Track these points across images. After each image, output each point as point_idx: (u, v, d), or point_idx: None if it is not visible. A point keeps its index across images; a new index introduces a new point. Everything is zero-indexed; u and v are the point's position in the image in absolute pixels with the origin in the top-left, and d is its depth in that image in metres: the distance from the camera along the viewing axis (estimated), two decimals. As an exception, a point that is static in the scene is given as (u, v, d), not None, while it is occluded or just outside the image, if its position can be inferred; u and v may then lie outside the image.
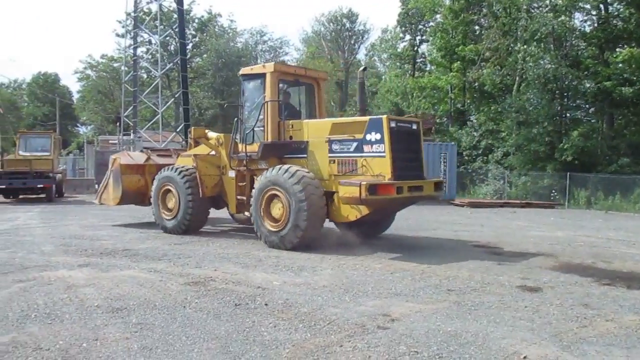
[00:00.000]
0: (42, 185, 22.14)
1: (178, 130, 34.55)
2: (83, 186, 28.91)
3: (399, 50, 43.84)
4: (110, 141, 39.61)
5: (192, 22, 53.27)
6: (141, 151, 15.24)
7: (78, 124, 78.02)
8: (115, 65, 56.27)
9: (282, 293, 6.58)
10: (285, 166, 9.92)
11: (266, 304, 6.06)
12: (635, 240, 12.53)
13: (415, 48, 42.72)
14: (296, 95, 12.00)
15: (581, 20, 28.91)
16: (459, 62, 31.56)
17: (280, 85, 11.02)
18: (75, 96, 72.85)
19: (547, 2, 25.69)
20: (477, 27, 33.19)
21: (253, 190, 10.30)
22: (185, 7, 41.68)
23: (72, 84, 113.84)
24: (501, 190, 26.67)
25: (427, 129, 27.60)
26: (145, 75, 48.93)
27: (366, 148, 9.54)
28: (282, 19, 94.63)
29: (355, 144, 9.70)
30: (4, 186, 21.65)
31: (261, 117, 10.73)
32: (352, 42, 57.12)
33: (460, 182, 27.11)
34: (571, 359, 4.60)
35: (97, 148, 35.25)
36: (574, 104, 28.64)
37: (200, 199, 11.60)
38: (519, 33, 27.03)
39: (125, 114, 34.29)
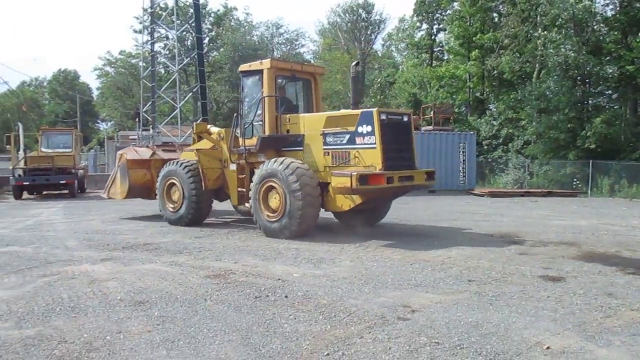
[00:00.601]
0: (64, 182, 22.49)
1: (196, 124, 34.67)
2: (104, 181, 28.98)
3: (416, 39, 43.44)
4: (130, 137, 40.06)
5: (208, 16, 53.46)
6: (147, 146, 15.80)
7: (98, 120, 79.07)
8: (133, 61, 56.82)
9: (302, 285, 6.60)
10: (281, 158, 10.31)
11: (286, 296, 6.08)
12: (660, 228, 12.29)
13: (433, 37, 42.29)
14: (293, 90, 12.39)
15: (603, 5, 28.29)
16: (477, 51, 31.18)
17: (279, 80, 11.48)
18: (95, 93, 73.76)
19: (568, -14, 25.16)
20: (495, 14, 32.70)
21: (252, 183, 10.69)
22: (201, 1, 41.81)
23: (92, 81, 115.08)
24: (522, 179, 26.35)
25: (446, 118, 27.37)
26: (163, 71, 49.32)
27: (358, 140, 9.88)
28: (298, 11, 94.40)
29: (347, 136, 10.05)
30: (27, 183, 22.05)
31: (259, 111, 11.14)
32: (369, 32, 56.71)
33: (480, 172, 26.85)
34: (595, 349, 4.53)
35: (117, 144, 35.67)
36: (596, 90, 28.09)
37: (203, 192, 12.07)
38: (538, 19, 26.57)
39: (144, 109, 34.62)
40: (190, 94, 39.13)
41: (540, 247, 9.44)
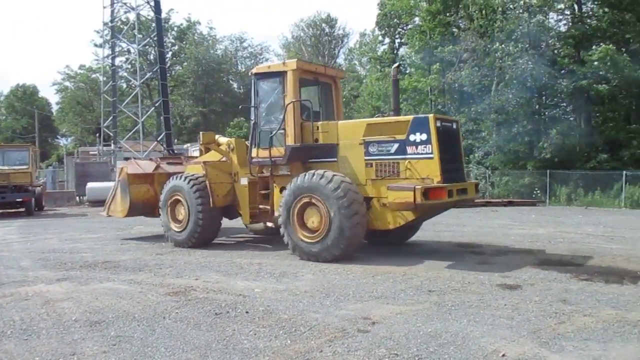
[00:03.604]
0: (21, 199, 21.80)
1: (159, 139, 34.34)
2: (63, 199, 28.54)
3: (378, 53, 44.06)
4: (90, 152, 39.22)
5: (171, 30, 53.09)
6: (150, 159, 14.47)
7: (58, 136, 77.10)
8: (94, 75, 55.81)
9: (264, 300, 6.56)
10: (320, 171, 9.23)
11: (247, 312, 6.04)
12: (613, 235, 12.71)
13: (395, 51, 42.96)
14: (312, 95, 11.19)
15: (556, 20, 29.34)
16: (438, 64, 31.80)
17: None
18: (55, 108, 72.05)
19: (522, 2, 26.02)
20: (454, 29, 33.49)
21: (281, 199, 9.66)
22: (164, 15, 41.56)
23: (51, 96, 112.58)
24: (483, 189, 26.89)
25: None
26: (124, 85, 48.57)
27: (410, 149, 8.96)
28: (261, 25, 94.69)
29: (396, 145, 9.10)
30: (-18, 201, 21.28)
31: (280, 118, 10.06)
32: (332, 46, 57.30)
33: (442, 183, 27.21)
34: (549, 355, 4.64)
35: (78, 160, 34.88)
36: (552, 103, 29.00)
37: (211, 209, 10.88)
38: (495, 34, 27.35)
39: (105, 124, 34.04)
40: (153, 108, 38.69)
41: (499, 256, 9.64)
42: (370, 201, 9.26)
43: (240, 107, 13.61)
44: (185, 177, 11.21)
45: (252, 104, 10.55)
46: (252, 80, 10.65)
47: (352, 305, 6.29)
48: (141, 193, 12.53)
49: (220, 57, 55.41)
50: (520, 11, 26.13)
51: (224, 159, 11.38)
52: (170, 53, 52.42)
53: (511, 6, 26.95)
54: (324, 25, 56.47)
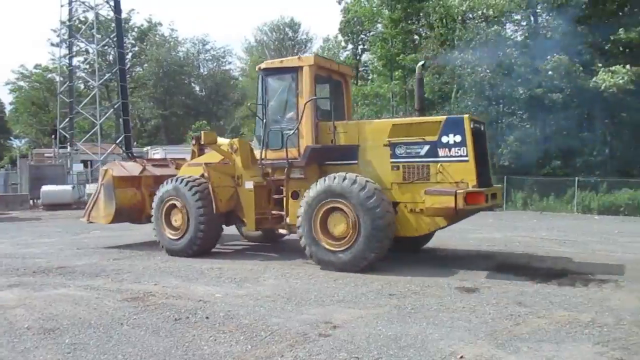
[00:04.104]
0: (-30, 203, 20.95)
1: (118, 141, 33.63)
2: (16, 202, 27.49)
3: (341, 58, 44.36)
4: (45, 154, 38.04)
5: (132, 31, 52.14)
6: (134, 161, 13.42)
7: (11, 137, 74.44)
8: (50, 75, 54.21)
9: (224, 305, 6.50)
10: (341, 174, 8.69)
11: (207, 317, 5.97)
12: (566, 239, 13.14)
13: (358, 57, 43.39)
14: (324, 93, 10.59)
15: (513, 30, 30.21)
16: (399, 71, 32.26)
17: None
18: (8, 108, 69.55)
19: (480, 12, 26.70)
20: (416, 37, 34.06)
21: (301, 204, 8.99)
22: (124, 15, 40.74)
23: (4, 96, 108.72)
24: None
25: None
26: (82, 86, 47.37)
27: (442, 152, 8.51)
28: (224, 28, 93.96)
29: (427, 147, 8.62)
30: None
31: (293, 117, 9.57)
32: (295, 51, 57.34)
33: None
34: (505, 356, 4.76)
35: (32, 162, 33.77)
36: (509, 110, 29.81)
37: (214, 215, 10.10)
38: (455, 42, 27.94)
39: (61, 126, 33.11)
40: (112, 110, 37.82)
41: (458, 260, 9.83)
42: (396, 206, 8.75)
43: (248, 104, 11.61)
44: (184, 181, 10.32)
45: (260, 101, 9.89)
46: (260, 76, 10.04)
47: (313, 309, 6.30)
48: (128, 197, 11.61)
49: (182, 60, 54.76)
50: (479, 21, 26.79)
51: (225, 161, 10.62)
52: (130, 54, 51.44)
53: (470, 16, 27.60)
54: (287, 29, 56.53)
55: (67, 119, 32.89)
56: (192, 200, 10.07)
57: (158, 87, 51.45)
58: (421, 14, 31.08)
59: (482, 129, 9.30)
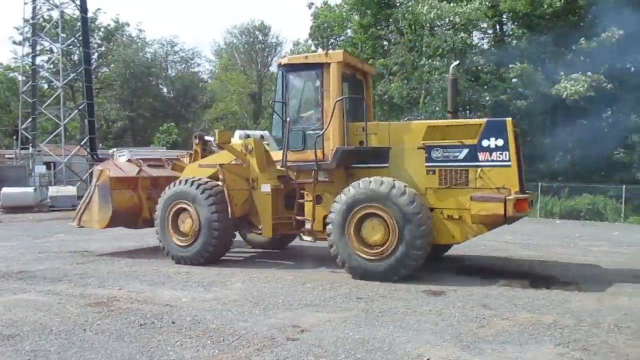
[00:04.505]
0: None
1: (83, 143, 32.91)
2: (-26, 205, 26.61)
3: (311, 63, 44.44)
4: (6, 155, 36.91)
5: (98, 30, 51.10)
6: (129, 160, 12.35)
7: (-31, 138, 72.01)
8: (12, 74, 52.66)
9: (191, 310, 6.42)
10: (384, 179, 8.26)
11: (173, 322, 5.88)
12: (529, 243, 13.44)
13: (327, 61, 43.55)
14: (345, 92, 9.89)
15: (479, 38, 30.86)
16: (369, 76, 32.49)
17: None
18: (-34, 107, 67.28)
19: (447, 20, 27.17)
20: (385, 42, 34.41)
21: (332, 210, 8.49)
22: (90, 14, 39.97)
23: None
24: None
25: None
26: (46, 86, 46.19)
27: (482, 156, 8.19)
28: (193, 30, 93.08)
29: (466, 151, 8.27)
30: None
31: (317, 117, 9.13)
32: (265, 54, 57.24)
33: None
34: (470, 358, 4.84)
35: (-9, 163, 32.71)
36: (476, 116, 30.40)
37: (229, 220, 9.53)
38: (423, 49, 28.35)
39: (23, 126, 32.19)
40: (76, 111, 37.02)
41: (425, 263, 9.89)
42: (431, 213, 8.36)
43: (270, 101, 10.23)
44: (194, 182, 9.66)
45: (280, 99, 9.34)
46: (280, 73, 9.51)
47: (281, 313, 6.29)
48: (125, 200, 10.78)
49: (149, 61, 53.92)
50: (446, 29, 27.25)
51: (236, 161, 9.95)
52: (96, 54, 50.42)
53: (438, 23, 28.03)
54: (257, 32, 56.33)
55: (29, 120, 32.00)
56: (204, 204, 9.42)
57: (125, 88, 50.53)
58: (390, 20, 31.41)
59: (519, 131, 9.01)
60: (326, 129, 8.82)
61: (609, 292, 7.57)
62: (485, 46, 30.18)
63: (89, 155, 32.03)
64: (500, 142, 8.14)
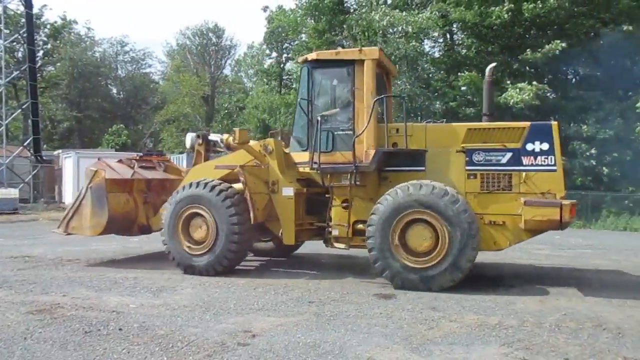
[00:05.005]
0: None
1: (26, 143, 31.63)
2: None
3: (265, 66, 44.38)
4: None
5: (44, 27, 49.26)
6: (120, 160, 11.12)
7: None
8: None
9: (139, 316, 6.26)
10: (435, 184, 7.91)
11: (120, 329, 5.72)
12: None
13: (282, 65, 43.56)
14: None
15: (430, 46, 31.64)
16: (323, 80, 32.70)
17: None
18: None
19: (400, 28, 27.69)
20: (339, 48, 34.71)
21: (374, 215, 8.04)
22: (36, 11, 38.47)
23: None
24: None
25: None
26: (-14, 84, 44.13)
27: (526, 160, 8.06)
28: (144, 30, 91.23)
29: (509, 155, 8.12)
30: None
31: (348, 116, 8.71)
32: (219, 56, 56.68)
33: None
34: (418, 359, 4.93)
35: None
36: (428, 122, 31.08)
37: (249, 227, 8.90)
38: (376, 55, 28.82)
39: (-39, 125, 30.65)
40: (19, 110, 35.54)
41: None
42: None
43: (298, 100, 9.27)
44: (211, 185, 8.95)
45: (306, 97, 8.86)
46: (306, 69, 8.96)
47: (232, 318, 6.22)
48: (121, 204, 9.87)
49: (98, 60, 52.48)
50: (399, 36, 27.76)
51: (252, 162, 9.33)
52: (41, 52, 48.58)
53: (391, 31, 28.53)
54: (211, 34, 55.74)
55: (-33, 119, 30.53)
56: (222, 208, 8.72)
57: (72, 87, 48.91)
58: (344, 26, 31.74)
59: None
60: (365, 129, 8.37)
61: (551, 293, 7.87)
62: (436, 54, 30.95)
63: (32, 157, 30.83)
64: (545, 146, 8.05)
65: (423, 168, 8.50)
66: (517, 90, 22.80)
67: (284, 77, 44.02)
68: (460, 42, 30.20)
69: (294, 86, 42.50)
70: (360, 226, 8.61)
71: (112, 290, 7.68)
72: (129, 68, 56.86)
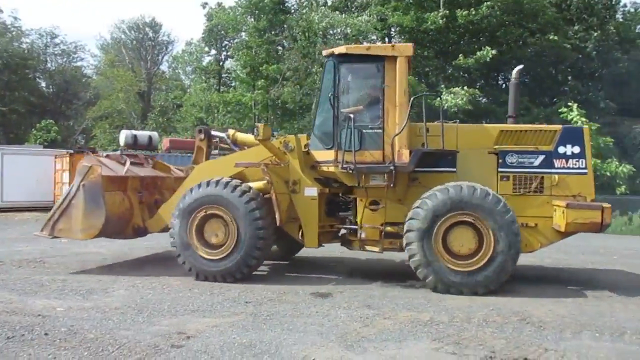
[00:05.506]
0: None
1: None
2: None
3: (203, 64, 43.64)
4: None
5: (-37, 15, 46.36)
6: (107, 156, 10.31)
7: None
8: None
9: (67, 319, 6.02)
10: (476, 185, 7.69)
11: (46, 334, 5.48)
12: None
13: (221, 63, 42.99)
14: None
15: (369, 49, 32.24)
16: (262, 80, 32.56)
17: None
18: None
19: (339, 30, 28.02)
20: (279, 48, 34.65)
21: (415, 216, 7.72)
22: (-46, -3, 36.10)
23: None
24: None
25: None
26: None
27: (558, 163, 8.18)
28: (76, 22, 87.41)
29: (541, 157, 8.21)
30: None
31: (377, 114, 8.35)
32: (156, 52, 55.17)
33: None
34: (353, 357, 5.03)
35: None
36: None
37: (274, 229, 8.47)
38: (316, 56, 28.94)
39: None
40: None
41: (314, 267, 10.15)
42: None
43: (330, 95, 8.51)
44: (232, 185, 8.31)
45: (332, 92, 8.42)
46: (332, 64, 8.52)
47: (166, 320, 6.10)
48: (116, 204, 8.99)
49: (26, 52, 49.80)
50: (339, 38, 28.08)
51: (266, 161, 8.69)
52: (-40, 41, 45.65)
53: (331, 32, 28.81)
54: (147, 29, 54.17)
55: None
56: (245, 209, 8.12)
57: (-2, 80, 46.26)
58: (285, 26, 31.77)
59: None
60: (403, 127, 8.10)
61: (480, 290, 8.19)
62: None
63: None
64: (576, 150, 8.20)
65: (454, 169, 8.40)
66: (451, 94, 23.58)
67: (223, 76, 43.47)
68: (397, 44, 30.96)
69: (233, 84, 42.09)
70: (388, 228, 8.46)
71: (38, 294, 7.34)
72: (60, 61, 54.30)
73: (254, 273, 8.60)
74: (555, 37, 26.34)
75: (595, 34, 27.95)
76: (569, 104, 21.60)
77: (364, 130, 8.30)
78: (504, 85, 29.38)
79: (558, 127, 8.54)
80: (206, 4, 39.01)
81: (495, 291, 7.64)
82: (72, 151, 21.59)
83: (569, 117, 20.59)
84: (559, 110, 22.46)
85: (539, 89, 27.86)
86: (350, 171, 8.25)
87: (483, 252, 7.57)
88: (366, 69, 8.63)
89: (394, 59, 8.22)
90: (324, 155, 8.63)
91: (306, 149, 8.91)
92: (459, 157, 8.40)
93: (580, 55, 28.41)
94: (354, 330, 5.85)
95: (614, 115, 27.32)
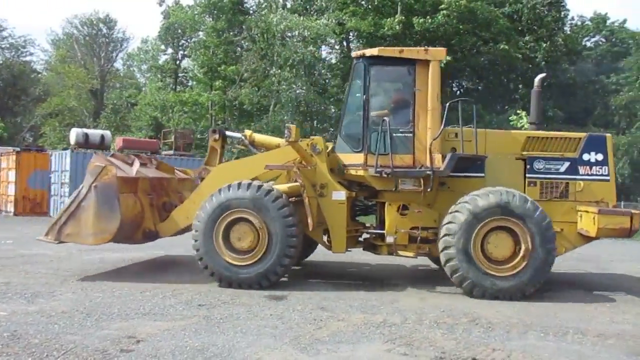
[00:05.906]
0: None
1: None
2: None
3: (160, 62, 42.87)
4: None
5: None
6: (112, 155, 9.76)
7: None
8: None
9: (10, 324, 5.78)
10: (517, 192, 7.78)
11: (-13, 339, 5.26)
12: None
13: (177, 62, 42.35)
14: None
15: (327, 52, 32.43)
16: (220, 81, 32.28)
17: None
18: None
19: (297, 33, 28.10)
20: (238, 48, 34.44)
21: (453, 222, 7.69)
22: None
23: None
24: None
25: (187, 144, 27.54)
26: None
27: (582, 169, 8.40)
28: (26, 16, 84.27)
29: (567, 164, 8.41)
30: None
31: (407, 118, 8.35)
32: (110, 49, 53.81)
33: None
34: (306, 359, 5.04)
35: None
36: (322, 127, 31.73)
37: (304, 235, 8.28)
38: (274, 58, 28.93)
39: None
40: None
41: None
42: None
43: (363, 96, 8.39)
44: (264, 189, 8.00)
45: (362, 94, 8.39)
46: (362, 65, 8.47)
47: (116, 324, 5.95)
48: (129, 207, 8.43)
49: (-30, 45, 47.69)
50: (297, 40, 28.15)
51: (296, 163, 8.54)
52: None
53: (289, 34, 28.85)
54: (101, 25, 52.77)
55: None
56: (277, 214, 7.85)
57: None
58: (244, 27, 31.60)
59: None
60: (440, 132, 8.14)
61: (432, 291, 8.37)
62: (333, 60, 31.76)
63: None
64: (600, 157, 8.44)
65: (483, 174, 8.47)
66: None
67: (180, 75, 42.84)
68: (355, 49, 31.27)
69: (190, 84, 41.51)
70: (422, 233, 8.43)
71: (-21, 298, 7.03)
72: (7, 55, 52.24)
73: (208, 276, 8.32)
74: (507, 47, 27.21)
75: (545, 44, 29.06)
76: (518, 111, 22.33)
77: (394, 134, 8.27)
78: (458, 92, 30.11)
79: (583, 134, 8.79)
80: (163, 1, 38.41)
81: (529, 297, 7.74)
82: (19, 149, 20.83)
83: (519, 125, 21.29)
84: (509, 118, 23.20)
85: (492, 96, 28.71)
86: (386, 175, 8.16)
87: (520, 258, 7.63)
88: (397, 72, 8.62)
89: (426, 62, 8.25)
90: (351, 158, 8.55)
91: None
92: (487, 162, 8.47)
93: (530, 65, 29.47)
94: (307, 332, 5.86)
95: (561, 124, 28.44)
